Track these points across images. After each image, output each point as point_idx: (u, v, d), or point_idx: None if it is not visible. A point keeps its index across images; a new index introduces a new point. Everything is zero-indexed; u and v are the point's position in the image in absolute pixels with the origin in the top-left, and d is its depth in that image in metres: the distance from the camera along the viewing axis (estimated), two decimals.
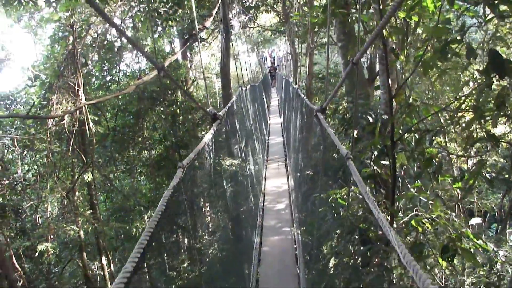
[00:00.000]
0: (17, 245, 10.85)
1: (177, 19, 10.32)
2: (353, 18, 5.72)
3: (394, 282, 3.83)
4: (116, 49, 15.15)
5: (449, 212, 3.89)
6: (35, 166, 12.25)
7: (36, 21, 14.27)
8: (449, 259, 3.50)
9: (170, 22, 10.13)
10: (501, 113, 3.44)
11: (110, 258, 13.08)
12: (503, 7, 3.09)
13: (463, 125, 4.27)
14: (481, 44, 4.71)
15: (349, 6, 6.29)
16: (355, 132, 4.83)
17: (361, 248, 3.97)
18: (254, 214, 5.96)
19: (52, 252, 10.80)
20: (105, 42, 14.06)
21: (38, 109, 11.74)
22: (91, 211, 12.08)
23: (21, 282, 10.33)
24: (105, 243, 12.67)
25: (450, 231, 3.59)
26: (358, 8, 5.27)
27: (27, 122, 11.38)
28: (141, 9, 10.69)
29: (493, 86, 3.67)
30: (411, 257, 1.49)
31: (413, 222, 3.72)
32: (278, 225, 5.98)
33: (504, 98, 3.28)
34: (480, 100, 3.38)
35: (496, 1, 2.96)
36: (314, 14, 6.39)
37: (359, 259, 4.01)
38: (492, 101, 3.43)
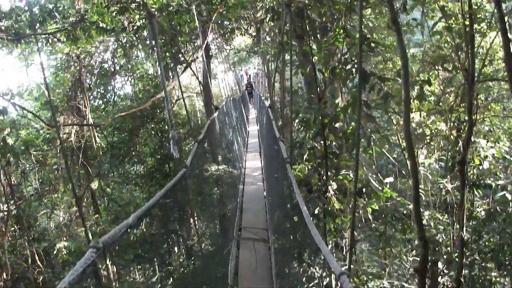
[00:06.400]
0: (35, 247, 12.46)
1: (172, 51, 12.41)
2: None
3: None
4: (109, 74, 17.07)
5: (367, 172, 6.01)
6: (47, 179, 13.92)
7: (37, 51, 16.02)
8: (363, 197, 5.65)
9: (167, 54, 12.21)
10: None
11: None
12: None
13: None
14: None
15: (304, 34, 8.46)
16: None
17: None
18: (238, 175, 10.10)
19: (65, 252, 12.45)
20: (101, 70, 15.98)
21: (47, 129, 13.52)
22: (97, 215, 13.80)
23: (41, 278, 11.95)
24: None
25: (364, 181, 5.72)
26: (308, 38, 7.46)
27: (39, 140, 13.14)
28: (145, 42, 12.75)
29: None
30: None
31: (340, 176, 5.87)
32: (253, 181, 10.15)
33: (388, 96, 5.44)
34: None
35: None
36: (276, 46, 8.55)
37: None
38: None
